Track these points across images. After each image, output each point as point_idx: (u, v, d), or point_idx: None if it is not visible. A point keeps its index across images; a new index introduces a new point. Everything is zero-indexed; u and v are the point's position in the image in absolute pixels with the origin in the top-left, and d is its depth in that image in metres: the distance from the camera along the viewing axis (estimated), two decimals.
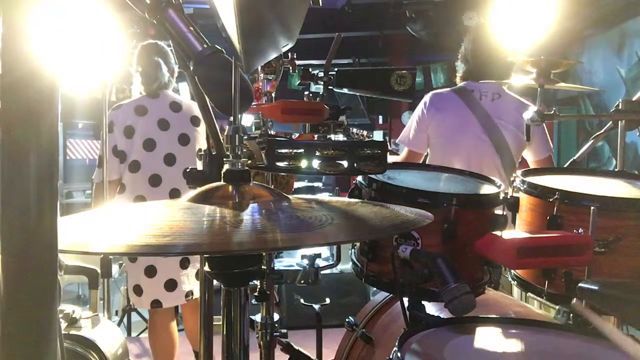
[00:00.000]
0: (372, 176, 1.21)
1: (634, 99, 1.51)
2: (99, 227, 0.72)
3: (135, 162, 2.56)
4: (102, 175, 2.57)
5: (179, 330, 2.84)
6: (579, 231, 1.08)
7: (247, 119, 1.50)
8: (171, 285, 2.57)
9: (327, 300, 1.85)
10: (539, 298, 1.20)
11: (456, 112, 2.24)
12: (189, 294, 2.61)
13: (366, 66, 7.11)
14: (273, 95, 1.45)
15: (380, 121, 8.35)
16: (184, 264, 2.60)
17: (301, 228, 0.66)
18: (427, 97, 2.31)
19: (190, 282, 2.62)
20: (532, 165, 2.28)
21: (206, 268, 0.75)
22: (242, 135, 0.78)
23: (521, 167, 2.27)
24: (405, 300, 1.04)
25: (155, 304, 2.56)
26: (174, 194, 2.57)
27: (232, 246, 0.62)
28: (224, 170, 0.78)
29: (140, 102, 2.63)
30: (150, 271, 2.54)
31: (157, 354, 2.68)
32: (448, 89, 2.37)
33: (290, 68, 1.43)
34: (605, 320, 1.02)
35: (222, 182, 0.79)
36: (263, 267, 1.25)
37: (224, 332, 0.80)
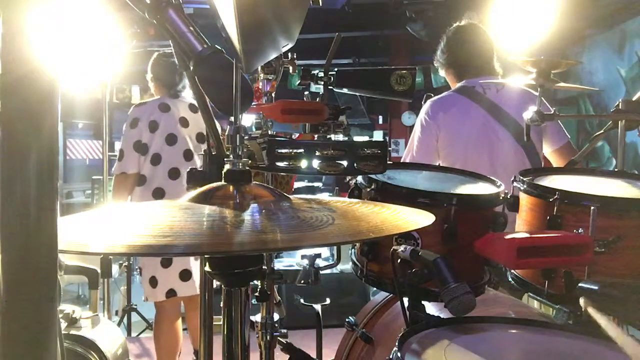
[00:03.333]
0: (372, 176, 1.21)
1: (634, 99, 1.51)
2: (99, 227, 0.72)
3: (156, 155, 2.70)
4: (122, 168, 2.70)
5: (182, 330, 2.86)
6: (579, 231, 1.08)
7: (247, 119, 1.50)
8: (186, 275, 2.67)
9: (327, 300, 1.85)
10: (539, 298, 1.20)
11: (464, 110, 2.13)
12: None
13: (366, 66, 7.10)
14: (273, 95, 1.45)
15: (380, 121, 8.36)
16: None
17: (302, 228, 0.66)
18: (427, 106, 2.19)
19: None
20: (552, 157, 2.19)
21: (207, 268, 0.75)
22: (243, 135, 0.78)
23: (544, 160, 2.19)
24: (405, 300, 1.04)
25: (170, 293, 2.65)
26: None
27: (232, 247, 0.62)
28: (225, 170, 0.78)
29: (163, 100, 2.79)
30: (167, 261, 2.64)
31: (161, 351, 2.73)
32: (447, 92, 2.27)
33: (290, 68, 1.43)
34: (609, 322, 1.02)
35: (223, 182, 0.78)
36: (264, 267, 1.25)
37: (225, 333, 0.80)
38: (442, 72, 2.39)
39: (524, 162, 2.07)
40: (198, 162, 2.71)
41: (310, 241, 0.63)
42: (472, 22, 2.38)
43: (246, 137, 0.79)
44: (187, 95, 2.87)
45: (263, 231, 0.65)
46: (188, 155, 2.75)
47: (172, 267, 2.64)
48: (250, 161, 0.84)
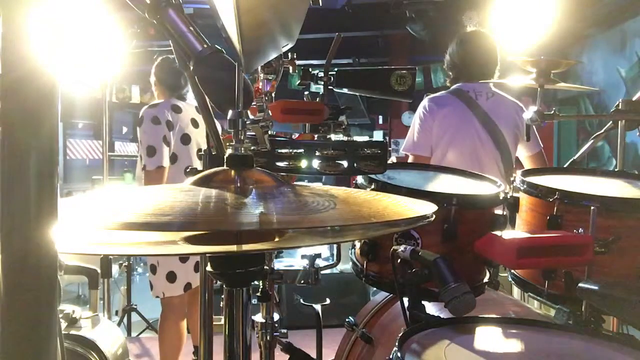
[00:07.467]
0: (372, 176, 1.21)
1: (634, 99, 1.52)
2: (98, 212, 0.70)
3: (174, 154, 2.76)
4: (157, 162, 2.67)
5: None
6: (579, 231, 1.08)
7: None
8: (198, 266, 2.67)
9: (327, 300, 1.85)
10: (539, 298, 1.20)
11: (456, 111, 2.29)
12: None
13: (366, 66, 7.10)
14: (273, 95, 1.44)
15: (380, 121, 8.36)
16: None
17: (303, 211, 0.65)
18: (425, 102, 2.37)
19: None
20: (525, 161, 2.36)
21: (208, 268, 0.75)
22: (245, 119, 0.77)
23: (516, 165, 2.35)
24: (405, 300, 1.04)
25: (187, 287, 2.72)
26: None
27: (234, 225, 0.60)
28: (226, 154, 0.77)
29: (173, 102, 2.83)
30: (184, 257, 2.68)
31: (165, 348, 2.77)
32: (443, 92, 2.43)
33: (290, 68, 1.43)
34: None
35: (224, 167, 0.76)
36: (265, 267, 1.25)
37: (226, 333, 0.80)
38: (448, 73, 2.52)
39: (498, 166, 2.25)
40: None
41: (311, 223, 0.62)
42: (480, 29, 2.51)
43: (248, 122, 0.78)
44: (191, 98, 2.87)
45: (263, 212, 0.64)
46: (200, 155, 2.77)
47: (189, 261, 2.71)
48: (253, 147, 0.83)
